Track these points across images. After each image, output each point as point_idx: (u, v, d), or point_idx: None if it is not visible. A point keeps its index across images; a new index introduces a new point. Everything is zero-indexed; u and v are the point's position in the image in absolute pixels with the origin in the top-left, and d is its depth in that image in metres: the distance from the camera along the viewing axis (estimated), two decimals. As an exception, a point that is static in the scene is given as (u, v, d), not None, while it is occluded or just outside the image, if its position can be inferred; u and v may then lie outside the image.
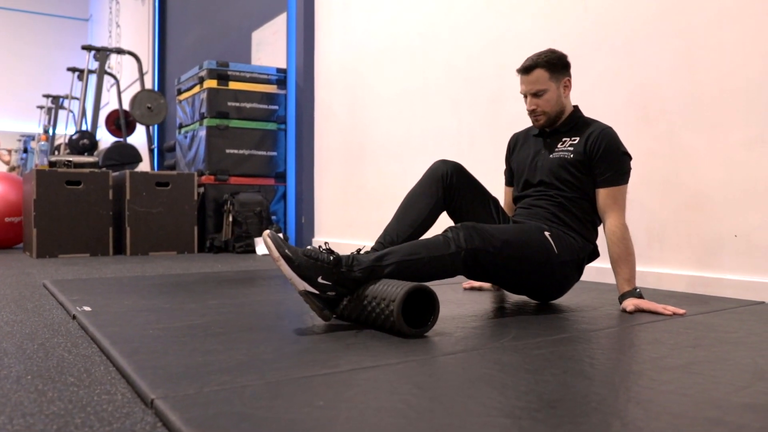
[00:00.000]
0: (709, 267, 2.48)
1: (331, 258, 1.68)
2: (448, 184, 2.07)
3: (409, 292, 1.60)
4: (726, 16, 2.43)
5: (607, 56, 2.88)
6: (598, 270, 2.73)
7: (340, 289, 1.69)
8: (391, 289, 1.61)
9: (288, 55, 5.42)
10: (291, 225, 5.25)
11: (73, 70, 8.13)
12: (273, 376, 1.22)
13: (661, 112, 2.66)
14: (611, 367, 1.35)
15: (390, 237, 2.00)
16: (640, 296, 2.00)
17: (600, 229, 2.16)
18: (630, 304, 1.97)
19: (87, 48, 7.07)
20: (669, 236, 2.62)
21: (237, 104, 5.16)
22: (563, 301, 2.22)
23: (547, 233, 1.99)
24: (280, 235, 1.70)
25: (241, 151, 5.16)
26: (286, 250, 1.65)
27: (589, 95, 2.91)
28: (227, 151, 5.11)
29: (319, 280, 1.65)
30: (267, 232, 1.68)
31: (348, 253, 1.74)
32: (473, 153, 3.57)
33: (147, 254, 4.58)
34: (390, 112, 4.36)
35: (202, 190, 4.99)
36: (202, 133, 5.12)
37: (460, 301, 2.22)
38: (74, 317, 1.92)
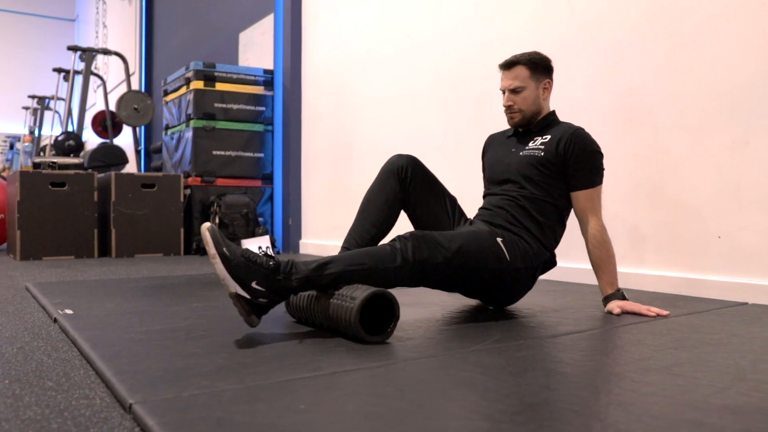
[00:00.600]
0: (693, 268, 2.49)
1: (270, 264, 1.60)
2: (403, 178, 2.05)
3: (367, 300, 1.54)
4: (710, 21, 2.45)
5: (594, 60, 2.89)
6: (582, 272, 2.74)
7: (274, 297, 1.61)
8: (347, 299, 1.56)
9: (275, 56, 5.40)
10: (278, 227, 5.23)
11: (59, 70, 8.08)
12: (253, 380, 1.21)
13: (646, 115, 2.67)
14: (593, 369, 1.35)
15: (354, 240, 1.99)
16: (623, 297, 2.01)
17: (571, 234, 2.15)
18: (615, 306, 1.97)
19: (73, 48, 7.03)
20: (654, 238, 2.64)
21: (224, 105, 5.14)
22: (546, 303, 2.22)
23: (499, 239, 1.93)
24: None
25: (227, 153, 5.14)
26: (224, 249, 1.56)
27: (575, 99, 2.92)
28: (214, 152, 5.08)
29: (253, 284, 1.57)
30: (206, 225, 1.58)
31: (287, 260, 1.66)
32: (459, 155, 3.58)
33: (132, 256, 4.55)
34: (377, 113, 4.36)
35: (188, 191, 4.96)
36: (189, 134, 5.10)
37: (444, 303, 2.22)
38: (55, 320, 1.90)
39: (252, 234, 4.72)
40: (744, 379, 1.24)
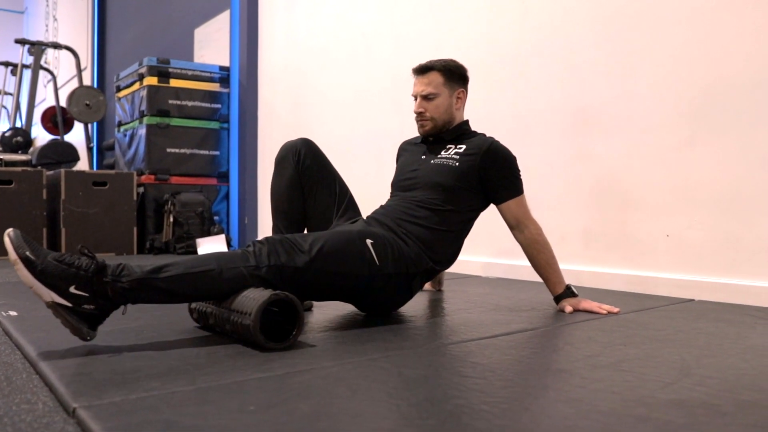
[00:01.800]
0: (643, 266, 2.55)
1: (92, 265, 1.42)
2: (296, 160, 2.02)
3: (267, 303, 1.44)
4: (660, 26, 2.50)
5: (546, 60, 2.92)
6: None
7: (101, 302, 1.42)
8: (248, 302, 1.46)
9: (231, 53, 5.34)
10: (234, 226, 5.17)
11: (6, 64, 7.81)
12: (204, 381, 1.19)
13: (597, 116, 2.72)
14: (544, 366, 1.37)
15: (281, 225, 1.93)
16: (573, 293, 2.03)
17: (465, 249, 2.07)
18: (567, 304, 2.00)
19: (21, 42, 6.82)
20: (605, 236, 2.69)
21: (178, 102, 5.05)
22: (500, 300, 2.25)
23: (369, 241, 1.78)
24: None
25: (182, 150, 5.06)
26: (28, 252, 1.38)
27: (528, 99, 2.95)
28: (168, 150, 5.00)
29: (72, 290, 1.38)
30: (9, 230, 1.41)
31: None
32: (417, 154, 3.58)
33: (83, 256, 4.43)
34: (333, 112, 4.34)
35: (141, 189, 4.87)
36: (142, 131, 5.00)
37: (401, 301, 2.22)
38: (-1, 322, 1.84)
39: (207, 233, 4.66)
40: (689, 374, 1.27)
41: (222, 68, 5.29)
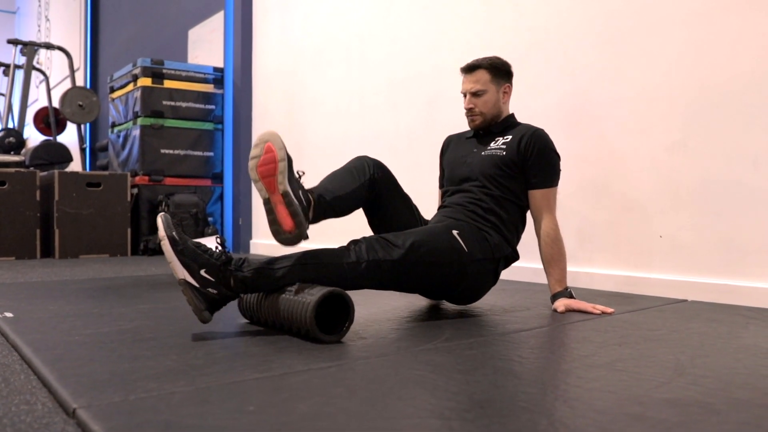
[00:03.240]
0: (637, 267, 2.56)
1: (222, 255, 1.60)
2: (372, 175, 1.95)
3: (323, 298, 1.54)
4: (651, 28, 2.52)
5: (540, 61, 2.94)
6: (532, 271, 2.79)
7: (223, 290, 1.60)
8: (304, 296, 1.55)
9: (225, 54, 5.34)
10: (228, 227, 5.17)
11: (-2, 65, 7.78)
12: (203, 381, 1.20)
13: (591, 118, 2.74)
14: (541, 367, 1.38)
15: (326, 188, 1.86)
16: (571, 296, 2.05)
17: (530, 231, 2.19)
18: (561, 304, 2.02)
19: (13, 42, 6.79)
20: (599, 237, 2.70)
21: (172, 103, 5.05)
22: (497, 302, 2.26)
23: (455, 231, 1.92)
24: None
25: (176, 152, 5.05)
26: (174, 233, 1.57)
27: (521, 99, 2.97)
28: (162, 151, 4.99)
29: (202, 272, 1.56)
30: (162, 213, 1.61)
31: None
32: (410, 155, 3.60)
33: (77, 257, 4.43)
34: (327, 113, 4.35)
35: (135, 191, 4.86)
36: (136, 132, 4.99)
37: (395, 302, 2.23)
38: (-5, 324, 1.83)
39: (201, 234, 4.66)
40: (683, 374, 1.29)
41: (216, 69, 5.29)
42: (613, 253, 2.65)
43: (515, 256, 2.13)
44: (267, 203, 1.65)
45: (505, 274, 2.98)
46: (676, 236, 2.44)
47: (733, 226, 2.28)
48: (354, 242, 1.76)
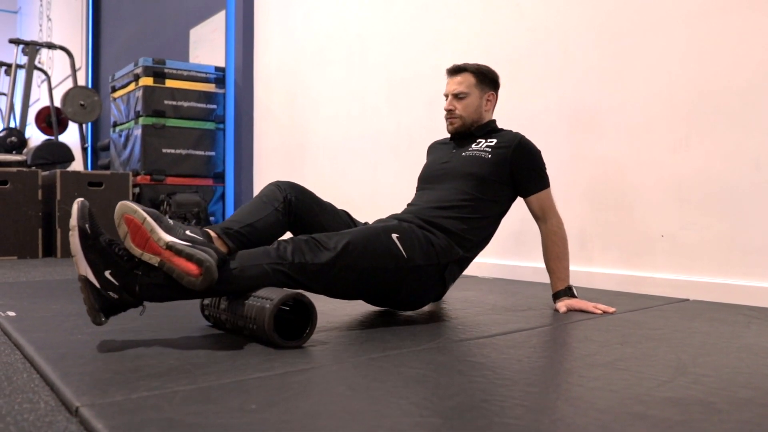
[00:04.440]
0: (638, 266, 2.56)
1: (134, 259, 1.48)
2: (285, 197, 1.78)
3: (280, 303, 1.45)
4: (652, 27, 2.52)
5: (541, 61, 2.94)
6: (533, 270, 2.80)
7: (126, 296, 1.47)
8: (262, 302, 1.47)
9: (227, 53, 5.34)
10: (230, 226, 5.16)
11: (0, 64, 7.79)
12: (205, 380, 1.20)
13: (592, 117, 2.73)
14: (542, 366, 1.38)
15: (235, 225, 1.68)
16: (573, 295, 2.05)
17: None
18: (562, 304, 2.02)
19: (15, 42, 6.80)
20: (600, 237, 2.70)
21: (174, 103, 5.06)
22: (498, 301, 2.26)
23: (394, 235, 1.79)
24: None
25: (178, 151, 5.06)
26: (87, 225, 1.44)
27: (522, 100, 2.97)
28: (164, 150, 5.00)
29: (107, 274, 1.44)
30: (80, 199, 1.47)
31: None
32: (411, 155, 3.60)
33: (79, 256, 4.43)
34: (329, 112, 4.35)
35: (137, 190, 4.87)
36: (138, 131, 5.00)
37: (398, 301, 2.23)
38: (-3, 323, 1.84)
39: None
40: (685, 373, 1.29)
41: (218, 69, 5.29)
42: (614, 252, 2.65)
43: (470, 258, 2.02)
44: (162, 266, 1.46)
45: (505, 274, 2.99)
46: (678, 236, 2.44)
47: (734, 226, 2.28)
48: (279, 242, 1.63)
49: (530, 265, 2.81)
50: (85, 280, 1.45)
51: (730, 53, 2.30)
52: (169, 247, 1.45)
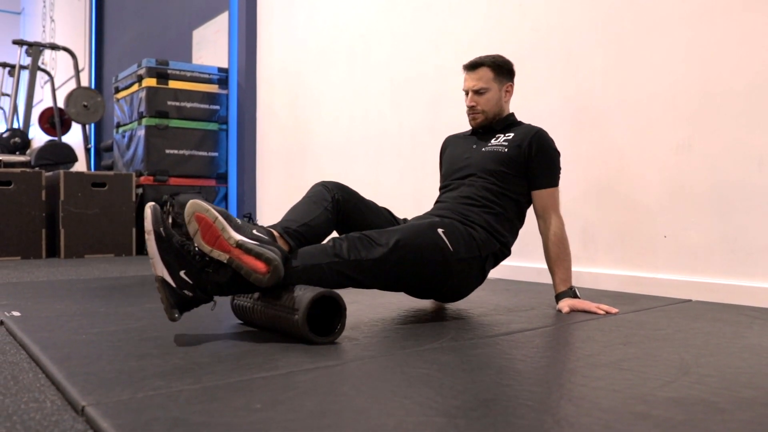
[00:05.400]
0: (641, 267, 2.56)
1: (205, 258, 1.56)
2: (333, 197, 1.87)
3: (314, 300, 1.50)
4: (656, 28, 2.52)
5: (544, 61, 2.94)
6: (536, 270, 2.80)
7: (199, 294, 1.56)
8: (296, 296, 1.52)
9: (230, 54, 5.35)
10: (233, 226, 5.17)
11: (3, 65, 7.82)
12: (209, 379, 1.21)
13: (595, 118, 2.74)
14: (545, 366, 1.38)
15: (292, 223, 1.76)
16: (575, 295, 2.05)
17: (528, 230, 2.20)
18: (565, 305, 2.02)
19: (19, 43, 6.83)
20: (603, 237, 2.71)
21: (177, 103, 5.07)
22: (501, 302, 2.26)
23: (440, 230, 1.88)
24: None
25: (181, 152, 5.07)
26: (162, 229, 1.53)
27: (526, 100, 2.97)
28: (167, 151, 5.01)
29: (182, 274, 1.53)
30: (151, 203, 1.54)
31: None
32: (414, 155, 3.60)
33: (82, 257, 4.44)
34: (331, 113, 4.36)
35: (140, 190, 4.88)
36: (141, 132, 5.01)
37: (398, 303, 2.23)
38: (1, 323, 1.85)
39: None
40: (688, 373, 1.29)
41: (221, 70, 5.30)
42: (617, 253, 2.66)
43: (505, 253, 2.10)
44: (231, 263, 1.54)
45: (508, 274, 2.99)
46: (681, 236, 2.44)
47: (737, 226, 2.28)
48: (334, 240, 1.73)
49: (533, 265, 2.81)
50: (162, 281, 1.52)
51: (733, 54, 2.30)
52: (239, 245, 1.54)
